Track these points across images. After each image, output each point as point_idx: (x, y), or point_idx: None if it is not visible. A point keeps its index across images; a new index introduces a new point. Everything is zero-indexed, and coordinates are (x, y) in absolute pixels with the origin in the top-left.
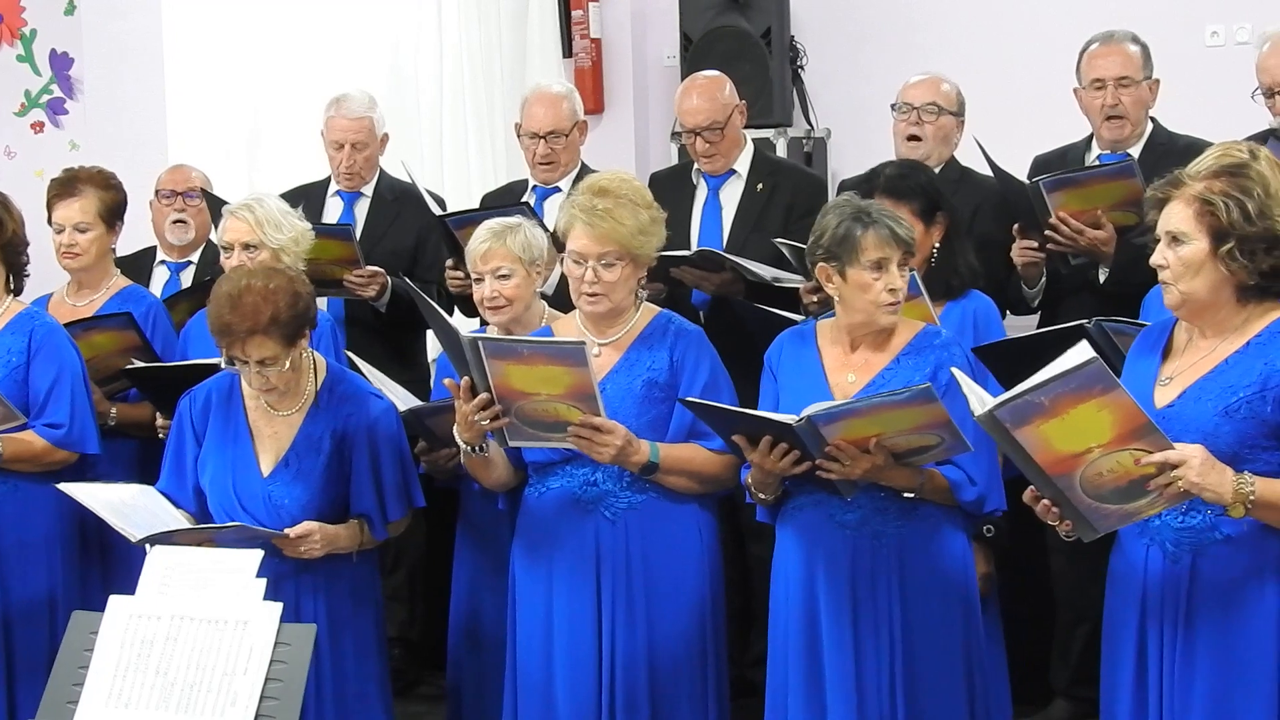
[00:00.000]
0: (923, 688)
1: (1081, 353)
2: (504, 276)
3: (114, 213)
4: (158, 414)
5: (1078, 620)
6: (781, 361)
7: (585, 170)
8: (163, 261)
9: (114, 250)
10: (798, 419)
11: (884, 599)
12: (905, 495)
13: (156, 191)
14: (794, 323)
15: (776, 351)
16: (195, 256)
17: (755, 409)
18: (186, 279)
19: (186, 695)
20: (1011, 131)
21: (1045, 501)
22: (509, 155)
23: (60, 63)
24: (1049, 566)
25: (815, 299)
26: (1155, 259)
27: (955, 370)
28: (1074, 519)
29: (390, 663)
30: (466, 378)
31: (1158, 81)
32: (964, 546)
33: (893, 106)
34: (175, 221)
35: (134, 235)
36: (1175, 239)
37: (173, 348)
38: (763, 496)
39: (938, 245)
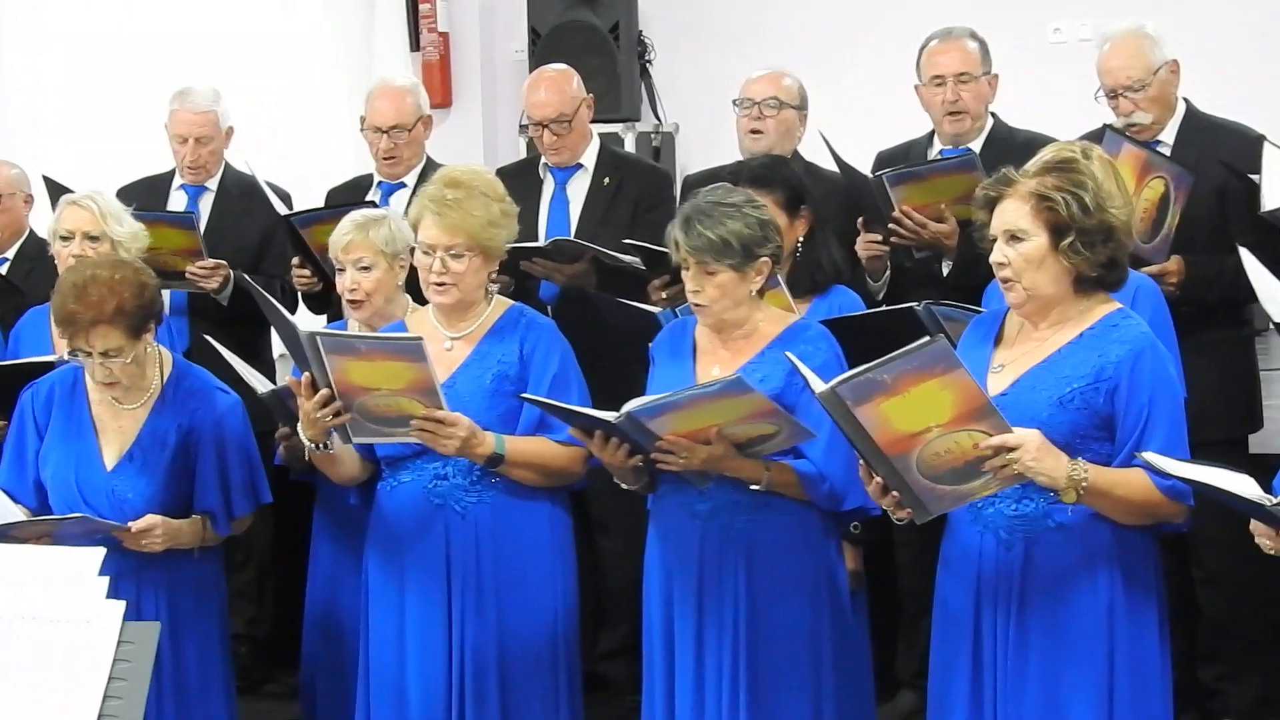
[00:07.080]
0: (766, 684)
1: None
2: (365, 269)
3: None
4: None
5: (923, 611)
6: (659, 353)
7: (431, 165)
8: None
9: None
10: (617, 415)
11: (730, 592)
12: (752, 488)
13: None
14: (651, 314)
15: (657, 343)
16: (11, 252)
17: (645, 399)
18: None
19: (25, 697)
20: (855, 127)
21: (879, 481)
22: (356, 149)
23: None
24: (894, 558)
25: (665, 295)
26: (995, 257)
27: (789, 354)
28: (908, 500)
29: (237, 660)
30: (307, 373)
31: (996, 77)
32: (822, 543)
33: (735, 102)
34: None
35: None
36: (1014, 236)
37: None
38: (624, 487)
39: (801, 240)
